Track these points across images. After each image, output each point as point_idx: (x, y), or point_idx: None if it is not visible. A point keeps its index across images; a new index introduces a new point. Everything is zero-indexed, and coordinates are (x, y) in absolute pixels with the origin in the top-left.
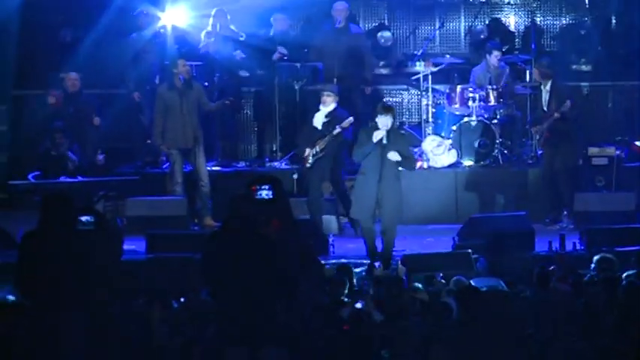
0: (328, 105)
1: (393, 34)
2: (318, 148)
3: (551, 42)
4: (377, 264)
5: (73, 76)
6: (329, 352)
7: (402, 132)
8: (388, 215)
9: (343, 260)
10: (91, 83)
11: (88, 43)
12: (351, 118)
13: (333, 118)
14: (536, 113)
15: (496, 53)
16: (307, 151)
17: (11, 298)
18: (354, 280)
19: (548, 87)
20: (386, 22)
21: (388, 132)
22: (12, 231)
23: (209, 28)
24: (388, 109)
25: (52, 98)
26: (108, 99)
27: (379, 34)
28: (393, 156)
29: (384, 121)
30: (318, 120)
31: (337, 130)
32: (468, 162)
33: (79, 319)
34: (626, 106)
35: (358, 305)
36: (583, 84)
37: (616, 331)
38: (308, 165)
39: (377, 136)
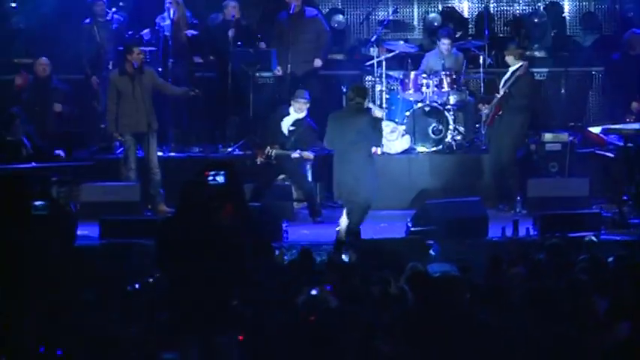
0: (300, 113)
1: (346, 19)
2: (273, 154)
3: (505, 28)
4: None
5: (44, 62)
6: (282, 338)
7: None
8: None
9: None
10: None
11: (42, 29)
12: (311, 156)
13: (299, 127)
14: (487, 96)
15: (444, 41)
16: (267, 149)
17: None
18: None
19: (514, 68)
20: (339, 6)
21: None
22: None
23: (165, 14)
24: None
25: (18, 79)
26: (73, 83)
27: (332, 18)
28: None
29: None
30: (286, 125)
31: (295, 155)
32: (421, 148)
33: (31, 306)
34: (580, 93)
35: (313, 292)
36: (537, 70)
37: (571, 318)
38: (262, 159)
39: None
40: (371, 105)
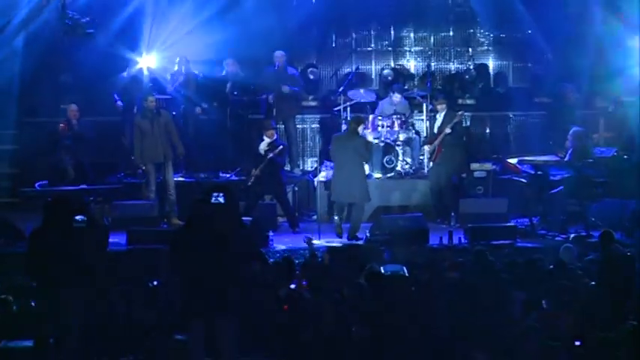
0: (270, 137)
1: (319, 73)
2: (258, 171)
3: (443, 82)
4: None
5: (74, 108)
6: (268, 322)
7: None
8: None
9: (285, 252)
10: (87, 112)
11: (84, 81)
12: (281, 147)
13: (271, 146)
14: (429, 134)
15: (397, 94)
16: (253, 171)
17: None
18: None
19: (442, 114)
20: (314, 62)
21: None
22: (22, 228)
23: (175, 68)
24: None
25: (62, 125)
26: (100, 124)
27: (308, 70)
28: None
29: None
30: (262, 147)
31: (270, 156)
32: (377, 174)
33: (75, 295)
34: (501, 132)
35: (292, 286)
36: (467, 114)
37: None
38: (251, 182)
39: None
40: (366, 132)
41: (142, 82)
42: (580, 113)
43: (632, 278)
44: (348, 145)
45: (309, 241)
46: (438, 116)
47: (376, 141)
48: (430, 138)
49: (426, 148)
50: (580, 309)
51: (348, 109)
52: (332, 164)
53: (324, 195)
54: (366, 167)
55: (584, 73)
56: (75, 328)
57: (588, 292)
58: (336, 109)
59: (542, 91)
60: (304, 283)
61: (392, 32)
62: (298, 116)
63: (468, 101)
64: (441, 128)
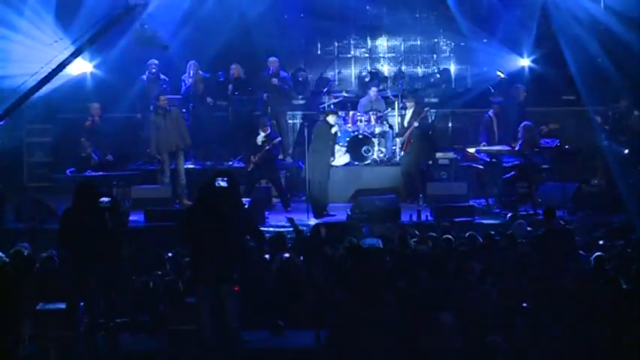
0: (265, 130)
1: (307, 76)
2: (256, 159)
3: (412, 83)
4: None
5: (96, 105)
6: (264, 288)
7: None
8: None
9: (280, 229)
10: (110, 109)
11: (107, 82)
12: (278, 139)
13: (267, 138)
14: (400, 128)
15: (374, 89)
16: (251, 158)
17: None
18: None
19: (411, 110)
20: (302, 67)
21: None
22: (55, 208)
23: (185, 74)
24: (333, 113)
25: (88, 122)
26: (122, 120)
27: (298, 73)
28: None
29: (331, 119)
30: (259, 140)
31: (268, 147)
32: (356, 162)
33: (99, 265)
34: (461, 126)
35: (286, 255)
36: (432, 110)
37: (455, 276)
38: (250, 168)
39: (334, 130)
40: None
41: (158, 84)
42: (529, 110)
43: (571, 247)
44: (319, 133)
45: (291, 220)
46: (407, 112)
47: (356, 133)
48: (401, 131)
49: (398, 139)
50: (527, 275)
51: (332, 106)
52: None
53: None
54: (345, 158)
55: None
56: (99, 293)
57: (533, 260)
58: (321, 106)
59: (496, 91)
60: (301, 257)
61: (368, 41)
62: (289, 112)
63: (433, 100)
64: (409, 122)
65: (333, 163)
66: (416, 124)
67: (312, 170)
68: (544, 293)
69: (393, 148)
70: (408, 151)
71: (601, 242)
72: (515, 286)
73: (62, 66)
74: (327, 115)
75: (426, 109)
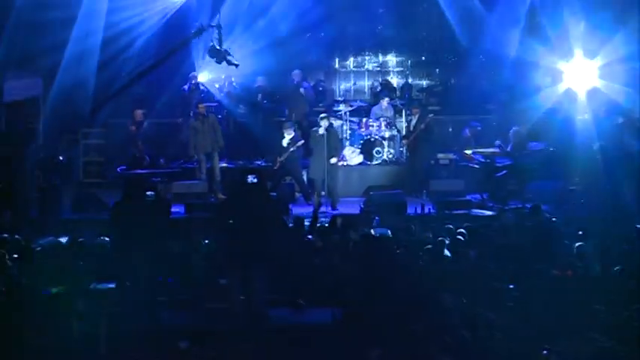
0: (290, 134)
1: (325, 86)
2: (282, 158)
3: (417, 93)
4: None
5: (140, 112)
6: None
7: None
8: (332, 180)
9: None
10: (155, 116)
11: (151, 92)
12: (301, 141)
13: (292, 141)
14: (407, 132)
15: (386, 99)
16: (277, 158)
17: None
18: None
19: (417, 116)
20: (322, 79)
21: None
22: (107, 201)
23: (221, 84)
24: (324, 117)
25: (132, 127)
26: (165, 125)
27: (318, 84)
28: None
29: (324, 123)
30: (284, 142)
31: (292, 148)
32: (369, 162)
33: (145, 251)
34: (459, 130)
35: (309, 236)
36: (435, 117)
37: (453, 261)
38: (277, 167)
39: (320, 131)
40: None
41: (197, 93)
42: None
43: (556, 237)
44: (315, 139)
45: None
46: (413, 119)
47: (369, 137)
48: (408, 134)
49: (405, 142)
50: (519, 260)
51: (348, 113)
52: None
53: None
54: (359, 158)
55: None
56: (145, 274)
57: (521, 248)
58: (338, 113)
59: (489, 100)
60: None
61: (380, 57)
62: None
63: (436, 108)
64: (415, 127)
65: (350, 163)
66: (422, 126)
67: (314, 170)
68: (530, 277)
69: (401, 150)
70: (412, 151)
71: (580, 232)
72: (503, 271)
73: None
74: (321, 120)
75: (430, 115)
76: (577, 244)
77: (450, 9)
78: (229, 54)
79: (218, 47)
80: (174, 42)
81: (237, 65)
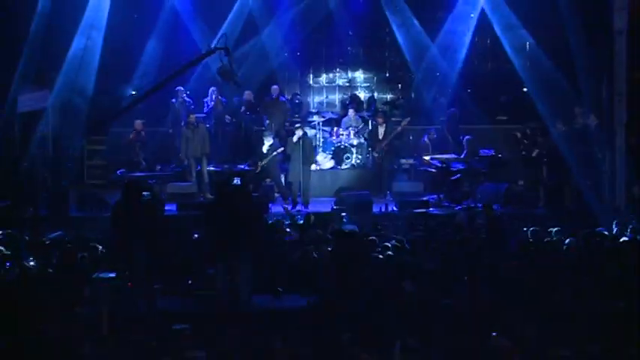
0: (269, 141)
1: (301, 99)
2: (263, 163)
3: (382, 106)
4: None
5: (140, 122)
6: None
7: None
8: (305, 182)
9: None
10: (150, 125)
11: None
12: (281, 148)
13: (271, 147)
14: (374, 141)
15: (351, 112)
16: (258, 163)
17: None
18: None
19: (383, 126)
20: (298, 92)
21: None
22: (108, 200)
23: (209, 98)
24: (299, 127)
25: (132, 134)
26: (158, 133)
27: (294, 97)
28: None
29: (298, 132)
30: (264, 148)
31: (273, 154)
32: (339, 166)
33: (141, 243)
34: (419, 139)
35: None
36: (397, 128)
37: (413, 254)
38: (257, 170)
39: (294, 139)
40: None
41: (185, 106)
42: (471, 127)
43: (505, 231)
44: (292, 146)
45: (286, 209)
46: (380, 128)
47: (339, 144)
48: (376, 142)
49: (381, 146)
50: (471, 253)
51: (321, 123)
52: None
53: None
54: (330, 163)
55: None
56: (142, 265)
57: (478, 241)
58: (312, 123)
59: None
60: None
61: (349, 74)
62: (288, 127)
63: (398, 119)
64: (384, 136)
65: (322, 167)
66: (399, 128)
67: (292, 174)
68: (480, 267)
69: (367, 156)
70: (379, 157)
71: (525, 229)
72: (457, 261)
73: (150, 93)
74: (297, 130)
75: (403, 123)
76: (520, 238)
77: (401, 37)
78: (237, 75)
79: (229, 68)
80: (182, 62)
81: (240, 86)
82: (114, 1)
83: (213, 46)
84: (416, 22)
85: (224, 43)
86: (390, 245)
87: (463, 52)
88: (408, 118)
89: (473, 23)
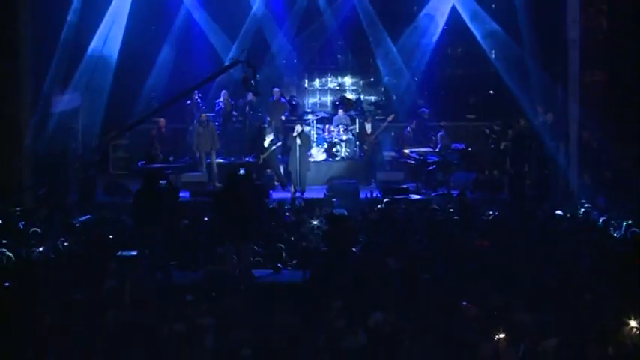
0: (270, 137)
1: (297, 100)
2: (264, 155)
3: (368, 106)
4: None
5: (163, 120)
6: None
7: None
8: (303, 171)
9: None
10: (171, 121)
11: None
12: (279, 143)
13: (271, 142)
14: (363, 136)
15: (341, 111)
16: (260, 156)
17: None
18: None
19: (370, 124)
20: (295, 94)
21: (299, 133)
22: (131, 188)
23: (220, 99)
24: (298, 124)
25: (154, 130)
26: (177, 130)
27: (292, 99)
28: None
29: (297, 128)
30: (266, 143)
31: (273, 148)
32: (330, 159)
33: (160, 225)
34: (400, 134)
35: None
36: (382, 124)
37: (390, 236)
38: (260, 162)
39: (295, 133)
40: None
41: (198, 106)
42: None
43: (474, 214)
44: (292, 139)
45: (292, 195)
46: (366, 125)
47: (330, 140)
48: (365, 137)
49: (369, 139)
50: (445, 233)
51: (315, 121)
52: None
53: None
54: (323, 155)
55: None
56: (160, 244)
57: (452, 223)
58: (307, 121)
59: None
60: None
61: (339, 78)
62: (286, 125)
63: (382, 117)
64: (372, 132)
65: (316, 159)
66: (385, 123)
67: (291, 165)
68: (454, 246)
69: (355, 149)
70: (367, 150)
71: (490, 213)
72: (434, 241)
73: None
74: (296, 126)
75: (389, 118)
76: (488, 219)
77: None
78: (256, 86)
79: (252, 80)
80: (195, 68)
81: (259, 94)
82: (132, 7)
83: (235, 58)
84: (389, 40)
85: (245, 57)
86: (374, 227)
87: (425, 61)
88: (393, 115)
89: (437, 36)
